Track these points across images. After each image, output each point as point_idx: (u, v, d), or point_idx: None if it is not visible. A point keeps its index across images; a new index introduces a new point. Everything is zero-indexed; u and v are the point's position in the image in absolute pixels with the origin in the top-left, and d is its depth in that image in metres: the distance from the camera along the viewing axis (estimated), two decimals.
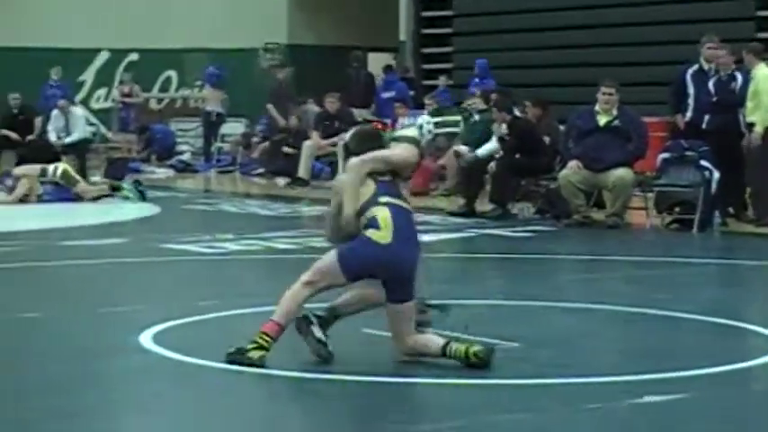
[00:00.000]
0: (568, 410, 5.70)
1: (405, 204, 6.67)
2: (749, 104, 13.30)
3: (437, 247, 12.10)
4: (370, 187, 6.63)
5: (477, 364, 6.42)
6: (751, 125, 13.28)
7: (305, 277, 6.54)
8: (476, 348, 6.47)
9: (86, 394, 6.03)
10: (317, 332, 6.60)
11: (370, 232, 6.48)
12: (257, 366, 6.34)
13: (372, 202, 6.57)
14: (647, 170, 14.35)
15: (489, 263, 11.48)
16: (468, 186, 14.91)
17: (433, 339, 6.63)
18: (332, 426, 5.57)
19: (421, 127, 7.02)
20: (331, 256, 6.55)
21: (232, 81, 24.05)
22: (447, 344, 6.54)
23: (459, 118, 7.44)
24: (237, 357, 6.41)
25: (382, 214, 6.52)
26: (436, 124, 7.06)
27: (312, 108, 21.53)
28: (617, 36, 20.16)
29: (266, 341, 6.43)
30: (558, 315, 8.21)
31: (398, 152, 6.83)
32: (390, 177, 6.73)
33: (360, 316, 7.89)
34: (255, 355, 6.40)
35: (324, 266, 6.55)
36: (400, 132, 7.14)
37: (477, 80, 19.90)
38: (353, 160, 6.71)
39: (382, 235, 6.46)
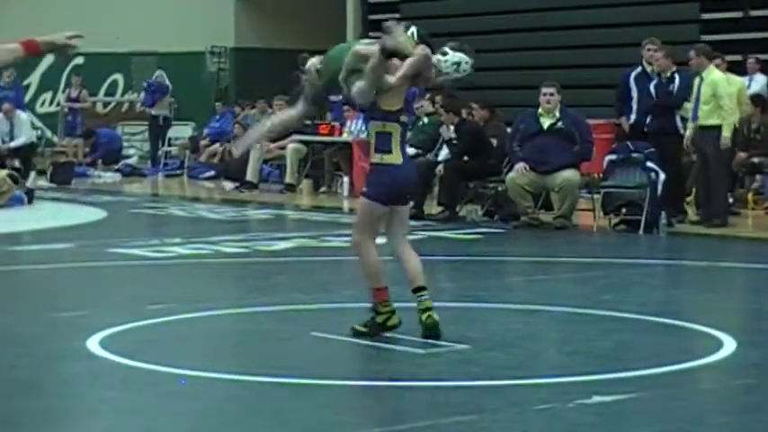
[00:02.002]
0: (517, 411, 5.72)
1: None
2: (704, 107, 13.33)
3: (385, 249, 12.09)
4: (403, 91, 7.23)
5: (426, 326, 7.15)
6: (710, 127, 13.29)
7: (356, 237, 7.29)
8: (435, 317, 7.14)
9: (33, 400, 5.97)
10: None
11: (385, 158, 7.20)
12: (395, 328, 7.14)
13: (396, 114, 7.24)
14: (593, 172, 14.44)
15: (438, 265, 11.48)
16: (418, 189, 14.94)
17: (416, 271, 7.29)
18: (281, 429, 5.55)
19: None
20: (362, 204, 7.31)
21: (179, 85, 23.96)
22: (422, 288, 7.22)
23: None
24: (374, 330, 7.15)
25: (396, 135, 7.22)
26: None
27: (252, 113, 21.50)
28: (563, 39, 20.27)
29: (386, 307, 7.21)
30: (507, 317, 8.24)
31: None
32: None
33: (309, 320, 7.88)
34: (395, 321, 7.20)
35: (363, 216, 7.30)
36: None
37: None
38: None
39: (395, 157, 7.21)
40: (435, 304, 8.52)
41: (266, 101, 21.12)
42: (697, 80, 13.49)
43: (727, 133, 13.25)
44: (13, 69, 23.65)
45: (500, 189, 14.33)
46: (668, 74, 13.85)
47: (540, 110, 13.87)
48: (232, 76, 27.20)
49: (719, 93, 13.25)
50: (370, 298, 7.35)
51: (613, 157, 13.70)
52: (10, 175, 16.60)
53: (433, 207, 14.84)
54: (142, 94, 24.69)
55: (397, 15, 23.53)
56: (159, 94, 23.67)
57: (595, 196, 13.95)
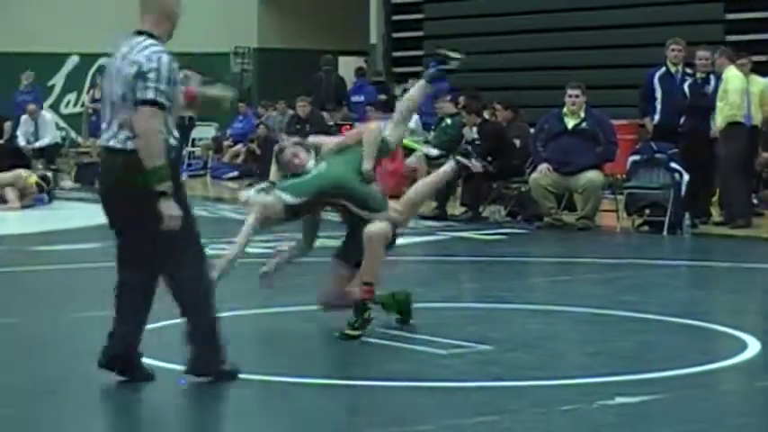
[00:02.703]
0: (540, 412, 5.71)
1: None
2: (719, 104, 13.35)
3: (409, 250, 12.09)
4: None
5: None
6: (725, 126, 13.31)
7: (379, 237, 7.31)
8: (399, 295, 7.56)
9: (59, 400, 6.00)
10: None
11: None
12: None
13: None
14: (617, 172, 14.41)
15: (461, 266, 11.49)
16: (440, 189, 14.93)
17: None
18: (303, 429, 5.56)
19: None
20: (386, 227, 7.31)
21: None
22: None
23: None
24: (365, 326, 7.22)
25: None
26: None
27: (273, 114, 21.57)
28: (587, 39, 20.24)
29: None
30: (529, 317, 8.23)
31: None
32: None
33: (332, 320, 7.89)
34: (372, 315, 7.35)
35: (386, 234, 7.32)
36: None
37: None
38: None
39: None
40: (459, 305, 8.56)
41: (285, 102, 21.17)
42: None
43: (720, 125, 13.22)
44: (33, 73, 23.74)
45: (523, 190, 14.31)
46: (704, 75, 13.80)
47: (564, 110, 13.84)
48: (255, 76, 27.26)
49: (728, 88, 13.23)
50: (363, 294, 7.36)
51: (637, 157, 13.66)
52: (38, 183, 16.62)
53: (456, 208, 14.83)
54: None
55: (421, 16, 23.56)
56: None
57: (619, 197, 13.91)
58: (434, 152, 16.31)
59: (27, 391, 6.15)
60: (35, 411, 5.78)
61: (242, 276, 10.72)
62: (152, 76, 5.91)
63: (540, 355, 6.99)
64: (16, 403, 5.89)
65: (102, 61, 27.68)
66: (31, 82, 23.62)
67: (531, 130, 14.90)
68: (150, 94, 5.89)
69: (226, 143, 22.50)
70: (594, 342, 7.52)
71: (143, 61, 5.95)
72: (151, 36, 6.11)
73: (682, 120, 13.85)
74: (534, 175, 13.73)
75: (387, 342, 7.21)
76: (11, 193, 15.91)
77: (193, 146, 23.45)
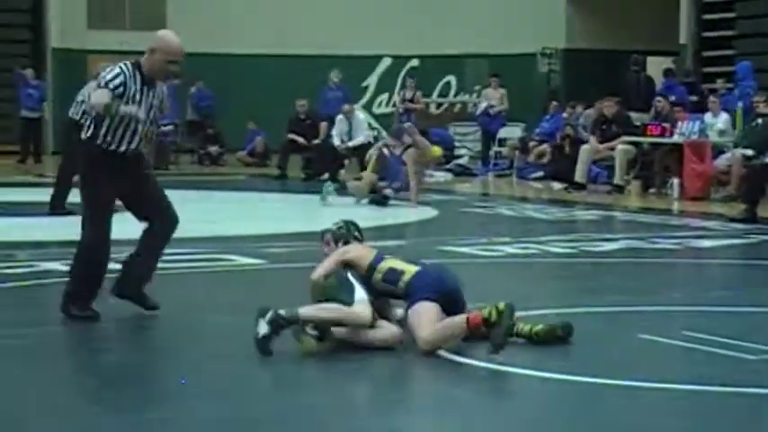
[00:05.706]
0: None
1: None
2: None
3: (718, 253, 11.89)
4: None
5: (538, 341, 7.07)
6: None
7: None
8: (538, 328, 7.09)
9: (300, 397, 6.20)
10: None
11: None
12: None
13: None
14: None
15: None
16: (750, 192, 14.59)
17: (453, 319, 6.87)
18: (607, 430, 5.59)
19: None
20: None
21: (510, 86, 24.21)
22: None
23: None
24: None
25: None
26: None
27: (585, 113, 21.53)
28: None
29: None
30: None
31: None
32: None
33: (637, 322, 7.84)
34: None
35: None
36: None
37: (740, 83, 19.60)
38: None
39: None
40: (765, 310, 8.32)
41: (589, 101, 21.10)
42: None
43: None
44: (339, 70, 24.36)
45: None
46: None
47: None
48: (562, 77, 27.27)
49: None
50: None
51: None
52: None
53: (767, 210, 14.45)
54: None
55: (732, 14, 23.01)
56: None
57: None
58: (749, 152, 15.95)
59: (292, 386, 6.41)
60: (289, 408, 6.01)
61: (545, 276, 10.83)
62: None
63: None
64: (268, 397, 6.12)
65: (413, 62, 28.37)
66: (340, 79, 24.34)
67: None
68: None
69: (531, 143, 22.62)
70: None
71: None
72: None
73: None
74: None
75: (695, 346, 7.13)
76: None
77: (500, 146, 23.67)
